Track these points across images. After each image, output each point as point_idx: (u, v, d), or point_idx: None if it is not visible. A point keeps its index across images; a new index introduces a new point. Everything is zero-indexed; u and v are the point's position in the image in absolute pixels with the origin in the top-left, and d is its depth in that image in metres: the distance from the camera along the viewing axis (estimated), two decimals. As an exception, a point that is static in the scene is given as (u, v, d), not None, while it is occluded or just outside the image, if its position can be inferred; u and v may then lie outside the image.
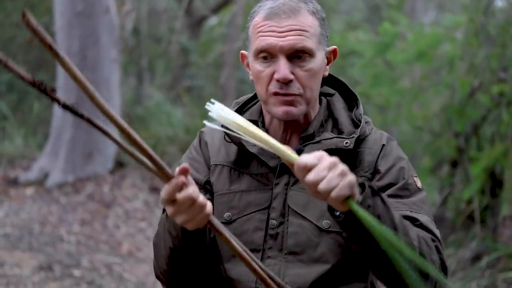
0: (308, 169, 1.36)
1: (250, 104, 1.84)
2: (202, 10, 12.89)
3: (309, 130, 1.72)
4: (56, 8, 7.69)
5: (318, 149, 1.57)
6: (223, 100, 11.17)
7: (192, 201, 1.38)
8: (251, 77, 1.74)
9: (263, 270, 1.48)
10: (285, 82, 1.64)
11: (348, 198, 1.37)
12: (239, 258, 1.44)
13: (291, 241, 1.67)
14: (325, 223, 1.66)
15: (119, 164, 7.86)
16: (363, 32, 8.65)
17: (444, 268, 1.60)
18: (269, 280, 1.48)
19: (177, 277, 1.67)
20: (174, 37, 12.46)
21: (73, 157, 7.42)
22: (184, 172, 1.37)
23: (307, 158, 1.36)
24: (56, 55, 1.17)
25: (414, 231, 1.55)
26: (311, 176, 1.36)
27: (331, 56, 1.74)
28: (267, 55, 1.66)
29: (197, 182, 1.69)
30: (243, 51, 1.79)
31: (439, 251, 1.59)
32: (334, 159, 1.38)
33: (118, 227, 6.71)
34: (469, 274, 5.34)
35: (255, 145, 1.67)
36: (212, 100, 1.42)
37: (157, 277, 1.72)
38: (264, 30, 1.65)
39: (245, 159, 1.74)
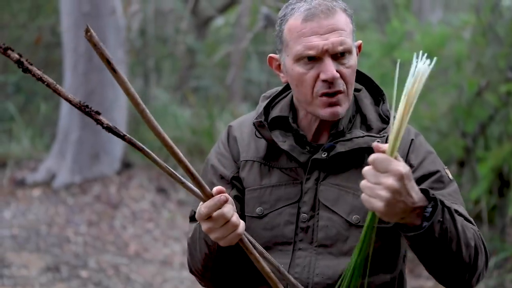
0: None
1: (279, 99, 1.86)
2: (208, 10, 12.89)
3: (339, 127, 1.76)
4: (63, 9, 7.70)
5: (349, 147, 1.71)
6: (229, 100, 11.14)
7: (225, 220, 1.51)
8: (283, 80, 1.77)
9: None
10: (332, 81, 1.67)
11: None
12: (267, 278, 1.55)
13: (322, 234, 1.73)
14: (355, 218, 1.72)
15: (126, 165, 7.86)
16: (371, 32, 8.63)
17: (487, 255, 1.68)
18: None
19: (212, 276, 1.77)
20: (180, 37, 12.47)
21: (80, 158, 7.43)
22: (222, 192, 1.51)
23: None
24: (113, 70, 1.20)
25: (469, 229, 1.61)
26: None
27: (357, 50, 1.78)
28: (312, 57, 1.68)
29: (223, 178, 1.80)
30: (272, 55, 1.80)
31: (482, 240, 1.66)
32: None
33: (125, 228, 6.71)
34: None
35: (285, 141, 1.75)
36: None
37: (191, 272, 1.82)
38: (306, 33, 1.67)
39: (274, 153, 1.79)
